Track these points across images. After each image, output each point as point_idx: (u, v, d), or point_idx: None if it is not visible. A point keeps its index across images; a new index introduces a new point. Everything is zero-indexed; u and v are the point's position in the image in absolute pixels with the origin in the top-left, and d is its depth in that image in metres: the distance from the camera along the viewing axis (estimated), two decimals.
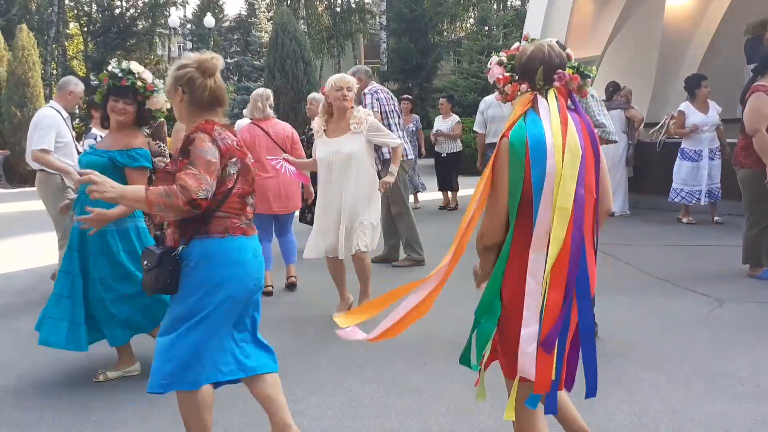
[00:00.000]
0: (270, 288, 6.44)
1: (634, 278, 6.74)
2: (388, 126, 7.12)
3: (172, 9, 41.63)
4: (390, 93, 7.51)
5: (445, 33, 38.39)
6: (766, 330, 4.97)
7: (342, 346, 4.97)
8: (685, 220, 9.51)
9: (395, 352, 4.84)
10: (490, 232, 2.72)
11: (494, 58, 3.02)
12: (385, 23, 35.35)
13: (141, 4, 39.97)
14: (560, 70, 2.68)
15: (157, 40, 41.41)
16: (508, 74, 2.89)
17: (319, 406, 4.01)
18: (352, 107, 5.54)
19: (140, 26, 39.54)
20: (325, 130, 5.59)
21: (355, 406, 3.99)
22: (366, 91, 7.26)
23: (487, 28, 26.11)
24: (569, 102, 2.73)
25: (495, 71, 2.95)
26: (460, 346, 4.88)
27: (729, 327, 5.18)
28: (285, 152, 6.26)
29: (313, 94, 8.10)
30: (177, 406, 3.15)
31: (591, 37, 13.75)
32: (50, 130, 6.40)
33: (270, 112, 6.52)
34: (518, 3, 36.89)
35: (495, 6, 34.98)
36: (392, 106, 7.38)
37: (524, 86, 2.73)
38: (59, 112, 6.60)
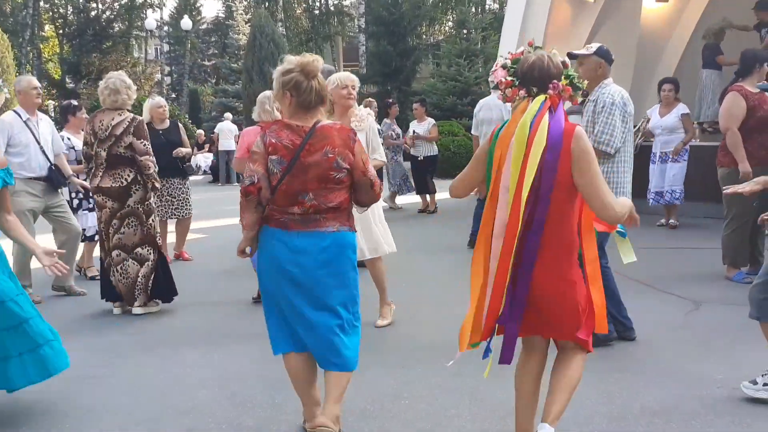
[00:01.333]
0: None
1: None
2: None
3: (149, 11, 41.47)
4: None
5: (424, 36, 38.46)
6: (743, 332, 5.00)
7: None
8: (664, 221, 9.64)
9: (373, 357, 4.82)
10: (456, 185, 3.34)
11: (500, 60, 3.30)
12: (363, 26, 35.33)
13: (117, 7, 39.76)
14: (555, 81, 3.01)
15: (134, 43, 41.23)
16: (510, 79, 3.19)
17: (297, 411, 3.97)
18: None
19: (116, 28, 39.33)
20: None
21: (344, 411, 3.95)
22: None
23: (465, 31, 26.23)
24: (554, 109, 3.00)
25: (498, 74, 3.25)
26: (438, 349, 4.91)
27: (706, 329, 5.22)
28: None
29: None
30: None
31: (568, 40, 13.82)
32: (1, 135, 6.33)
33: (278, 114, 6.37)
34: (496, 6, 37.10)
35: (473, 9, 35.14)
36: None
37: (522, 92, 3.06)
38: (19, 115, 6.50)
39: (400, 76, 30.35)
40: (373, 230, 5.42)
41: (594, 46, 4.83)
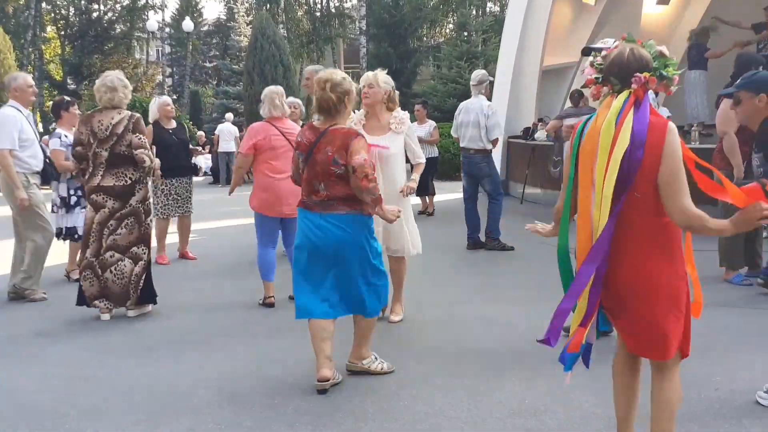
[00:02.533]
0: (271, 299, 6.22)
1: None
2: None
3: (151, 13, 41.50)
4: None
5: (425, 38, 38.48)
6: (741, 334, 5.02)
7: None
8: None
9: None
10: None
11: (590, 59, 3.15)
12: (364, 28, 35.35)
13: (119, 8, 39.78)
14: (637, 74, 2.86)
15: (135, 44, 41.24)
16: (593, 77, 3.07)
17: (296, 411, 4.00)
18: (389, 108, 5.45)
19: (118, 30, 39.35)
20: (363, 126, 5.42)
21: (331, 412, 3.97)
22: None
23: (466, 33, 26.26)
24: (639, 104, 2.87)
25: (587, 71, 3.13)
26: (436, 352, 4.93)
27: (704, 331, 5.21)
28: None
29: (294, 99, 8.05)
30: None
31: (569, 43, 13.86)
32: (10, 130, 6.37)
33: (287, 110, 6.33)
34: (497, 9, 37.11)
35: (474, 12, 35.13)
36: None
37: (606, 89, 2.98)
38: (20, 111, 6.55)
39: (400, 78, 30.38)
40: (404, 230, 5.47)
41: (609, 41, 4.76)
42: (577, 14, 13.80)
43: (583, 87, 3.28)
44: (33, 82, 6.82)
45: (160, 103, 8.22)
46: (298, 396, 4.20)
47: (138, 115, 5.98)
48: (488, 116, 8.55)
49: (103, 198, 5.82)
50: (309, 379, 4.44)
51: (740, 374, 4.29)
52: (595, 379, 4.28)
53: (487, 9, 38.25)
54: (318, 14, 40.92)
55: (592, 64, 3.10)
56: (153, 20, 37.28)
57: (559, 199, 3.21)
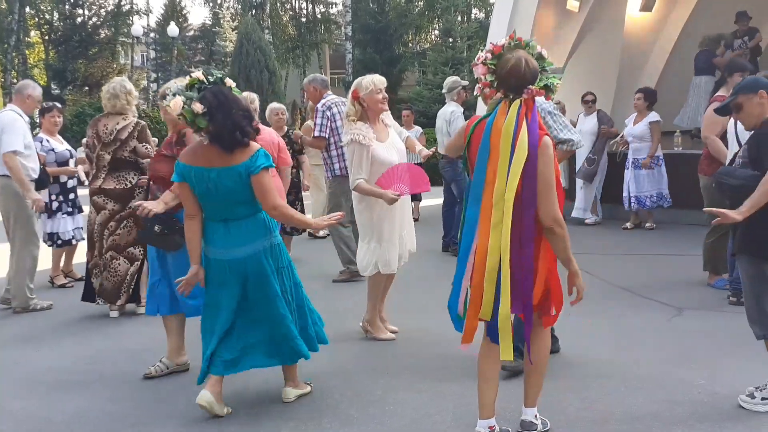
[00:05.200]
0: None
1: (594, 287, 6.78)
2: (337, 142, 7.07)
3: (135, 18, 41.30)
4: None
5: (410, 44, 38.59)
6: (724, 338, 5.05)
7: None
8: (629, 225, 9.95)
9: (358, 363, 4.84)
10: None
11: (480, 55, 3.35)
12: (350, 34, 35.39)
13: (103, 13, 39.57)
14: (530, 87, 3.19)
15: (120, 49, 41.01)
16: (488, 80, 3.32)
17: (280, 416, 3.98)
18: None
19: (102, 35, 39.13)
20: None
21: (318, 417, 3.97)
22: (318, 106, 7.21)
23: (451, 39, 26.38)
24: (529, 115, 3.19)
25: (479, 69, 3.35)
26: (422, 358, 4.93)
27: (688, 335, 5.26)
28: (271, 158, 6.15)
29: (279, 105, 8.02)
30: None
31: (553, 48, 13.90)
32: (20, 133, 6.31)
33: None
34: (482, 15, 37.25)
35: (459, 18, 35.29)
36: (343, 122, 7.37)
37: (499, 94, 3.29)
38: (21, 116, 6.49)
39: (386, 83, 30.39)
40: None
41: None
42: (562, 21, 13.85)
43: (473, 86, 3.54)
44: (41, 92, 6.81)
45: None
46: (282, 402, 4.19)
47: (144, 123, 6.10)
48: (450, 122, 8.62)
49: (104, 200, 5.99)
50: (275, 384, 4.43)
51: (723, 378, 4.31)
52: (580, 383, 4.31)
53: (472, 15, 38.43)
54: (304, 20, 40.95)
55: (484, 63, 3.32)
56: (138, 25, 37.03)
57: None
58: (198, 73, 3.88)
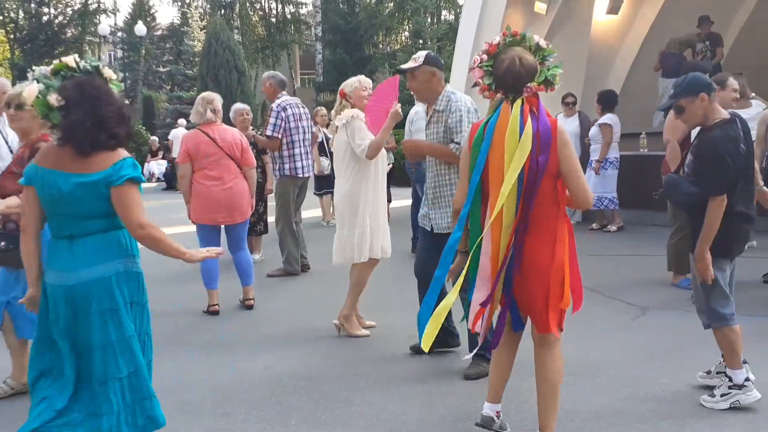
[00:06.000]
0: (216, 307, 6.13)
1: None
2: (289, 144, 7.30)
3: (103, 17, 40.79)
4: (302, 108, 7.55)
5: (381, 45, 38.56)
6: (688, 337, 5.12)
7: (273, 359, 4.94)
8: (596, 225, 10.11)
9: (326, 365, 4.83)
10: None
11: (476, 59, 3.34)
12: (320, 34, 35.34)
13: (70, 12, 39.05)
14: (528, 85, 3.19)
15: (87, 48, 40.50)
16: (486, 83, 3.32)
17: (247, 419, 3.96)
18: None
19: (69, 34, 38.65)
20: None
21: (285, 419, 3.95)
22: (274, 106, 7.30)
23: (421, 41, 26.42)
24: (536, 110, 3.22)
25: (476, 74, 3.34)
26: (389, 358, 4.94)
27: (652, 334, 5.33)
28: (233, 159, 6.11)
29: (243, 105, 7.97)
30: None
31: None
32: None
33: (211, 116, 6.15)
34: (452, 17, 37.38)
35: (429, 20, 35.35)
36: (297, 123, 7.41)
37: (499, 94, 3.29)
38: None
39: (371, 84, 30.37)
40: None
41: (421, 56, 4.54)
42: (529, 23, 13.94)
43: (473, 86, 3.51)
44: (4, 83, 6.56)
45: None
46: (249, 403, 4.17)
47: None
48: (412, 122, 8.65)
49: None
50: (261, 386, 4.42)
51: (686, 376, 4.37)
52: None
53: (442, 17, 38.52)
54: (273, 20, 40.75)
55: (480, 66, 3.30)
56: (105, 24, 36.56)
57: (459, 192, 3.50)
58: (68, 58, 3.19)
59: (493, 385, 3.55)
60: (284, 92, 7.56)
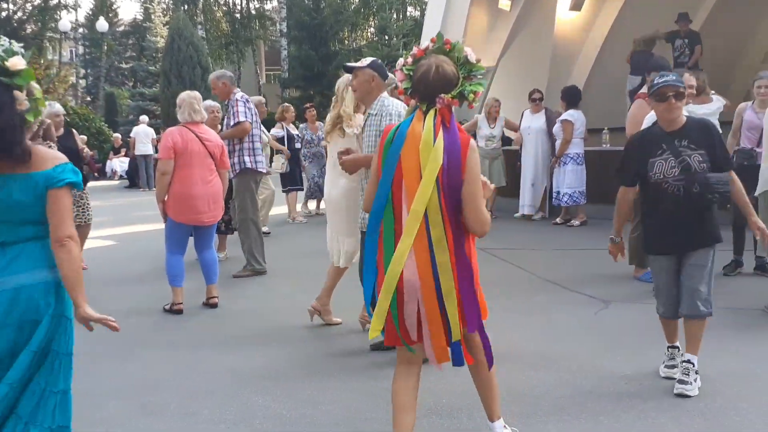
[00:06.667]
0: (180, 305, 6.04)
1: (522, 281, 6.94)
2: (251, 136, 7.26)
3: (63, 12, 40.18)
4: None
5: (346, 41, 38.53)
6: (650, 329, 5.17)
7: (238, 358, 4.90)
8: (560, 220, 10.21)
9: (291, 363, 4.81)
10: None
11: (400, 61, 3.22)
12: (285, 30, 35.15)
13: (30, 7, 38.39)
14: (441, 96, 3.01)
15: (48, 45, 39.88)
16: (403, 87, 3.17)
17: (211, 419, 3.93)
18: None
19: (29, 30, 37.99)
20: None
21: (249, 418, 3.93)
22: (239, 98, 7.20)
23: (387, 37, 26.41)
24: (447, 123, 3.03)
25: (398, 75, 3.22)
26: (356, 356, 4.94)
27: (614, 327, 5.40)
28: (214, 161, 6.07)
29: (213, 103, 7.85)
30: None
31: (486, 47, 14.08)
32: None
33: (204, 115, 6.21)
34: (417, 13, 37.45)
35: (394, 16, 35.38)
36: (256, 117, 7.46)
37: (413, 102, 3.15)
38: None
39: (322, 80, 30.33)
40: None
41: (368, 60, 4.80)
42: (494, 20, 14.04)
43: (394, 89, 3.44)
44: None
45: (50, 113, 7.80)
46: (214, 403, 4.13)
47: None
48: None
49: None
50: (225, 386, 4.39)
51: (648, 368, 4.43)
52: (508, 376, 4.37)
53: (408, 13, 38.59)
54: (238, 15, 40.47)
55: (401, 69, 3.20)
56: (66, 20, 35.98)
57: (367, 197, 3.25)
58: None
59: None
60: (238, 88, 7.48)
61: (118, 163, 22.55)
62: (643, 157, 4.10)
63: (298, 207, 11.89)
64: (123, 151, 23.17)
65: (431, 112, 3.03)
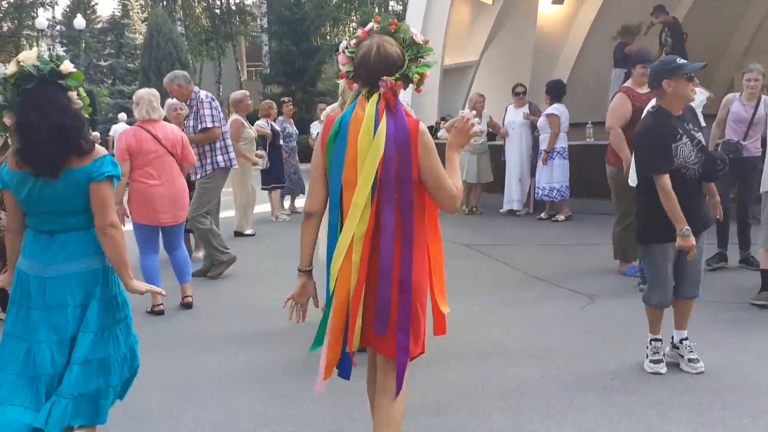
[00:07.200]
0: (160, 306, 5.98)
1: (508, 277, 6.92)
2: (223, 135, 7.13)
3: (40, 10, 39.75)
4: None
5: (328, 36, 38.40)
6: (635, 324, 5.18)
7: (221, 358, 4.86)
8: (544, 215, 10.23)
9: (276, 363, 4.77)
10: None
11: (343, 43, 3.02)
12: (266, 26, 34.97)
13: (5, 5, 37.96)
14: (383, 78, 2.75)
15: (25, 42, 39.46)
16: (345, 71, 2.95)
17: (196, 421, 3.88)
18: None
19: (5, 28, 37.59)
20: None
21: (235, 419, 3.89)
22: (203, 97, 7.07)
23: None
24: (392, 107, 2.77)
25: (340, 59, 3.00)
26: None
27: (600, 322, 5.40)
28: (174, 157, 5.94)
29: (177, 101, 7.67)
30: None
31: (468, 42, 14.09)
32: None
33: (161, 113, 6.04)
34: (399, 8, 37.40)
35: (377, 10, 35.31)
36: (222, 114, 7.33)
37: (355, 86, 2.91)
38: None
39: (304, 76, 30.20)
40: None
41: None
42: (476, 14, 14.05)
43: (338, 79, 3.27)
44: None
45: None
46: (197, 405, 4.09)
47: None
48: None
49: None
50: (209, 387, 4.35)
51: (634, 362, 4.44)
52: (494, 372, 4.36)
53: (390, 8, 38.52)
54: (218, 11, 40.21)
55: (343, 51, 2.98)
56: (42, 18, 35.68)
57: (309, 195, 2.99)
58: (31, 58, 3.04)
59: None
60: (197, 87, 7.31)
61: None
62: (668, 142, 4.10)
63: (286, 204, 11.84)
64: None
65: (374, 98, 2.78)
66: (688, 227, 4.03)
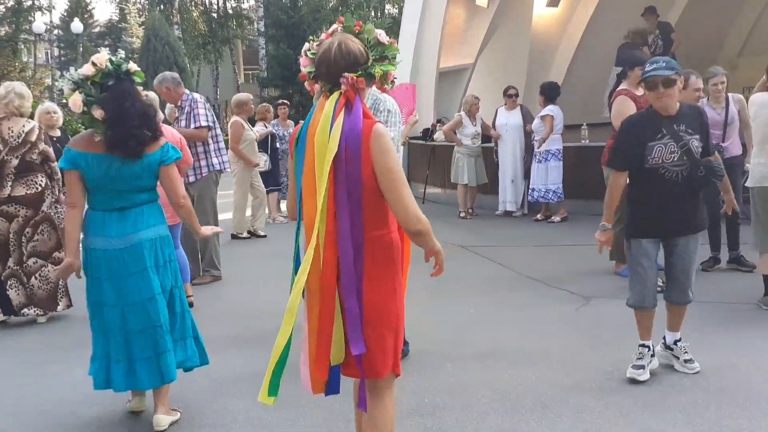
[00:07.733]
0: (190, 298, 5.99)
1: (503, 278, 6.92)
2: (215, 136, 7.12)
3: (38, 14, 39.74)
4: None
5: None
6: (630, 325, 5.16)
7: (215, 362, 4.83)
8: (540, 216, 10.23)
9: (264, 366, 4.75)
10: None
11: (306, 45, 2.97)
12: (263, 29, 34.99)
13: (3, 9, 37.92)
14: (345, 74, 2.63)
15: (22, 47, 39.43)
16: (306, 71, 2.90)
17: (190, 424, 3.87)
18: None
19: (2, 32, 37.53)
20: None
21: (229, 422, 3.88)
22: (198, 98, 7.07)
23: None
24: (351, 106, 2.66)
25: (302, 62, 2.94)
26: None
27: (595, 323, 5.39)
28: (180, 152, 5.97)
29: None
30: None
31: (464, 45, 14.10)
32: None
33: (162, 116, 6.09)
34: (395, 11, 37.44)
35: (373, 13, 35.36)
36: (214, 116, 7.32)
37: (317, 86, 2.84)
38: None
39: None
40: None
41: None
42: (471, 16, 14.05)
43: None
44: None
45: (42, 110, 7.73)
46: (193, 408, 4.09)
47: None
48: None
49: (15, 208, 5.78)
50: (204, 390, 4.34)
51: (630, 363, 4.42)
52: (490, 373, 4.35)
53: (386, 11, 38.57)
54: (215, 15, 40.23)
55: (305, 54, 2.91)
56: (40, 22, 35.59)
57: (289, 200, 3.00)
58: (102, 59, 3.69)
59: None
60: (186, 89, 7.29)
61: None
62: (641, 140, 4.10)
63: (282, 206, 11.81)
64: None
65: (334, 96, 2.65)
66: (607, 224, 4.32)
